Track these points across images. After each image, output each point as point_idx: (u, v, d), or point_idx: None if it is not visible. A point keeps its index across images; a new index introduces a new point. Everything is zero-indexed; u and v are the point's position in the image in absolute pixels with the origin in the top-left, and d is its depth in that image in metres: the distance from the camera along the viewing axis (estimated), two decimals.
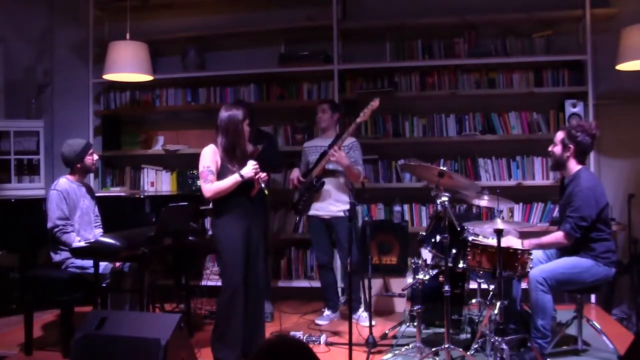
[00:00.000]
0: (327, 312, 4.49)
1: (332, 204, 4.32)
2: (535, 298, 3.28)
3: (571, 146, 3.45)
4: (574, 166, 3.48)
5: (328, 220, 4.35)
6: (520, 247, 3.37)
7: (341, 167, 4.21)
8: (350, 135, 4.22)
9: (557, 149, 3.51)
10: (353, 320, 3.59)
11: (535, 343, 3.27)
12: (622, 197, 4.72)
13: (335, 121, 4.46)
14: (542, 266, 3.40)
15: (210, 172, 3.35)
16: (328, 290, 4.52)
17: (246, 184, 3.40)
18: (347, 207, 4.21)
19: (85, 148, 3.82)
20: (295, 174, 4.43)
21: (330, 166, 4.27)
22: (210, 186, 3.34)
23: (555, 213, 4.70)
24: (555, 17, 4.90)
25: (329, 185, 4.30)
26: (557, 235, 3.40)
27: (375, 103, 4.05)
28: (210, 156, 3.38)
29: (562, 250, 3.52)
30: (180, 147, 5.46)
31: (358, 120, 4.11)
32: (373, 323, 3.77)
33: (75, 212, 3.76)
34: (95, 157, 3.93)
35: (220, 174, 3.38)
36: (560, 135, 3.52)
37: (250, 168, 3.37)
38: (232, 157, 3.41)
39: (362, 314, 4.32)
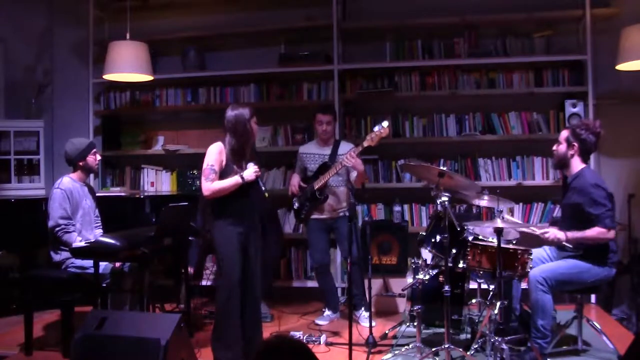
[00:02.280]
0: (327, 312, 4.49)
1: (332, 211, 4.34)
2: (535, 298, 3.28)
3: (575, 144, 3.44)
4: (577, 165, 3.47)
5: (328, 221, 4.36)
6: (563, 238, 3.33)
7: (357, 171, 4.15)
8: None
9: (562, 147, 3.50)
10: (354, 318, 3.57)
11: (535, 343, 3.27)
12: (622, 197, 4.71)
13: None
14: (542, 266, 3.40)
15: (213, 170, 3.34)
16: (328, 293, 4.52)
17: (247, 187, 3.39)
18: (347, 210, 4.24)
19: (89, 147, 3.84)
20: (296, 180, 4.43)
21: (332, 181, 4.23)
22: (210, 185, 3.34)
23: (556, 212, 4.70)
24: (555, 17, 4.90)
25: (330, 197, 4.30)
26: (601, 231, 3.27)
27: (385, 131, 3.89)
28: (215, 155, 3.38)
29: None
30: (180, 147, 5.46)
31: (365, 144, 3.96)
32: (373, 323, 3.77)
33: (77, 211, 3.76)
34: (98, 157, 3.94)
35: (224, 174, 3.37)
36: (564, 133, 3.52)
37: (251, 171, 3.37)
38: (240, 157, 3.40)
39: (363, 313, 4.32)
